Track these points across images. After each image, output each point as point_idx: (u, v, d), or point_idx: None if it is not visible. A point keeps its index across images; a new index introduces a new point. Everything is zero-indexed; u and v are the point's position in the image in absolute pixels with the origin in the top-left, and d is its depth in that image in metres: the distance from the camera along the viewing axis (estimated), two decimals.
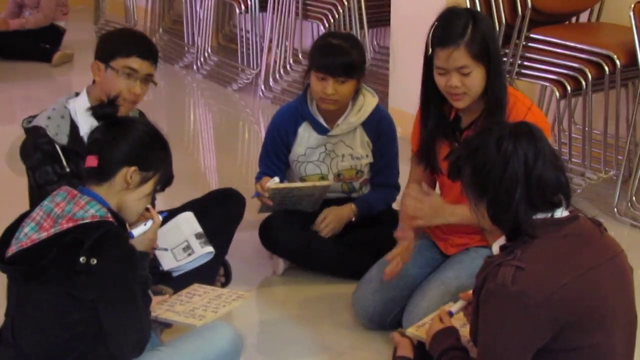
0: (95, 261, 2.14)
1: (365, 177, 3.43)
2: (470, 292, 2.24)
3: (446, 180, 2.90)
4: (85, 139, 2.43)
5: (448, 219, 2.87)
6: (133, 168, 2.30)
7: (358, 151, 3.38)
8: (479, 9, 4.05)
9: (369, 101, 3.36)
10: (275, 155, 3.41)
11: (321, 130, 3.36)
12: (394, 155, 3.45)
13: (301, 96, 3.40)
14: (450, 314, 2.34)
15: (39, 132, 2.91)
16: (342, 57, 3.21)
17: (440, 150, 2.88)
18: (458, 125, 2.83)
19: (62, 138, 2.93)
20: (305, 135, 3.38)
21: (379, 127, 3.38)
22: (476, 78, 2.69)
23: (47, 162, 2.88)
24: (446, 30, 2.68)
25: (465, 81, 2.69)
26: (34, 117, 3.01)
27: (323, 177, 3.40)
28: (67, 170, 2.88)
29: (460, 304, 2.35)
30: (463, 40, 2.65)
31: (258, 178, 3.41)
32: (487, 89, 2.72)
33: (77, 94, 3.04)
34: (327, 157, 3.39)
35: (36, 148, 2.90)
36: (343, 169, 3.39)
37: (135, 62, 2.91)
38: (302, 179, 3.42)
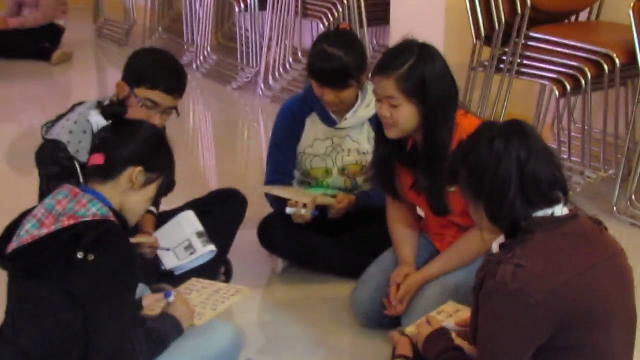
0: (92, 257, 2.14)
1: (370, 174, 3.41)
2: (467, 317, 2.27)
3: (422, 206, 2.92)
4: None
5: (429, 278, 2.88)
6: (139, 168, 2.30)
7: (364, 146, 3.36)
8: (478, 8, 4.06)
9: None
10: (287, 145, 3.38)
11: (329, 122, 3.35)
12: None
13: (310, 87, 3.34)
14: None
15: (60, 146, 2.86)
16: (336, 69, 3.15)
17: (403, 179, 2.91)
18: (416, 156, 2.84)
19: (83, 155, 2.87)
20: (313, 127, 3.36)
21: None
22: (404, 113, 2.71)
23: (65, 177, 2.82)
24: (386, 59, 2.73)
25: (394, 113, 2.72)
26: (54, 122, 2.96)
27: (327, 171, 3.40)
28: None
29: (451, 325, 2.37)
30: (395, 73, 2.68)
31: (270, 182, 3.38)
32: (423, 128, 2.74)
33: (99, 103, 2.98)
34: (334, 151, 3.37)
35: (55, 162, 2.86)
36: (348, 163, 3.38)
37: (158, 96, 2.85)
38: (307, 172, 3.41)
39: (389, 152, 2.87)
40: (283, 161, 3.40)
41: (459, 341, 2.28)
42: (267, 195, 3.44)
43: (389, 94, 2.71)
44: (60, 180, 2.80)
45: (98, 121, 2.86)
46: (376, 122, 2.87)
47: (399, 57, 2.70)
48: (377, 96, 2.77)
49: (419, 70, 2.68)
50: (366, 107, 3.32)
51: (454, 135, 2.72)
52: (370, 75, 2.79)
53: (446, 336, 2.27)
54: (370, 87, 3.32)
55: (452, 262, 2.88)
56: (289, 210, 3.24)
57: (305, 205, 3.20)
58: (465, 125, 2.74)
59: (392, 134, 2.77)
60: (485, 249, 2.35)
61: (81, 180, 2.81)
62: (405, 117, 2.72)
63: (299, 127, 3.37)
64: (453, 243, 2.89)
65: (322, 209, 3.28)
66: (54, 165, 2.87)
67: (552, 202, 2.04)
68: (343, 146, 3.37)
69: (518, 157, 2.01)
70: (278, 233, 3.38)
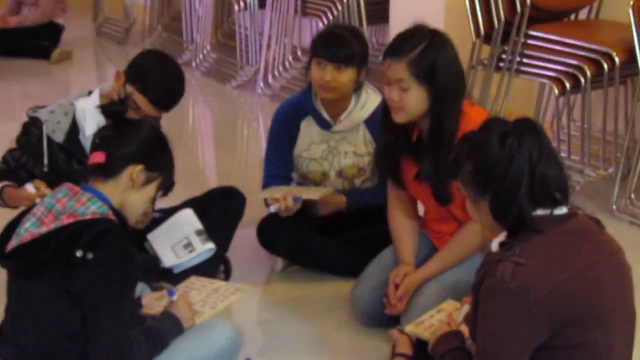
0: (91, 256, 2.14)
1: (367, 175, 3.42)
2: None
3: (422, 198, 2.91)
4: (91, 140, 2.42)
5: (428, 277, 2.88)
6: (140, 167, 2.30)
7: (361, 149, 3.35)
8: (477, 6, 4.06)
9: (372, 98, 3.34)
10: (283, 149, 3.38)
11: (324, 125, 3.34)
12: None
13: (306, 90, 3.36)
14: None
15: (36, 123, 2.98)
16: (342, 45, 3.20)
17: (406, 170, 2.90)
18: (421, 147, 2.83)
19: (60, 136, 2.93)
20: (309, 130, 3.36)
21: None
22: (414, 97, 2.72)
23: (28, 150, 2.96)
24: (398, 43, 2.74)
25: (403, 97, 2.72)
26: (41, 107, 3.04)
27: (325, 175, 3.39)
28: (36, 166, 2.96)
29: (465, 309, 2.34)
30: (407, 56, 2.69)
31: (266, 185, 3.39)
32: (431, 113, 2.74)
33: (90, 93, 3.01)
34: (330, 154, 3.37)
35: (26, 133, 2.99)
36: (346, 166, 3.38)
37: (142, 102, 2.89)
38: (305, 176, 3.41)
39: (395, 138, 2.86)
40: (280, 165, 3.40)
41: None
42: (265, 200, 3.43)
43: (400, 76, 2.71)
44: (24, 150, 2.96)
45: (85, 107, 2.92)
46: (383, 108, 2.88)
47: (411, 41, 2.71)
48: (387, 79, 2.76)
49: (431, 54, 2.69)
50: (360, 109, 3.31)
51: (462, 123, 2.73)
52: (382, 57, 2.79)
53: (460, 339, 2.26)
54: (365, 88, 3.32)
55: (450, 259, 2.88)
56: (272, 209, 3.24)
57: (284, 199, 3.20)
58: (473, 114, 2.75)
59: (399, 117, 2.77)
60: (481, 242, 2.33)
61: (45, 159, 2.92)
62: (414, 100, 2.72)
63: (294, 131, 3.37)
64: (450, 240, 2.90)
65: (307, 203, 3.28)
66: (24, 135, 2.98)
67: (556, 203, 2.04)
68: (339, 149, 3.36)
69: (530, 156, 2.01)
70: (277, 233, 3.38)
